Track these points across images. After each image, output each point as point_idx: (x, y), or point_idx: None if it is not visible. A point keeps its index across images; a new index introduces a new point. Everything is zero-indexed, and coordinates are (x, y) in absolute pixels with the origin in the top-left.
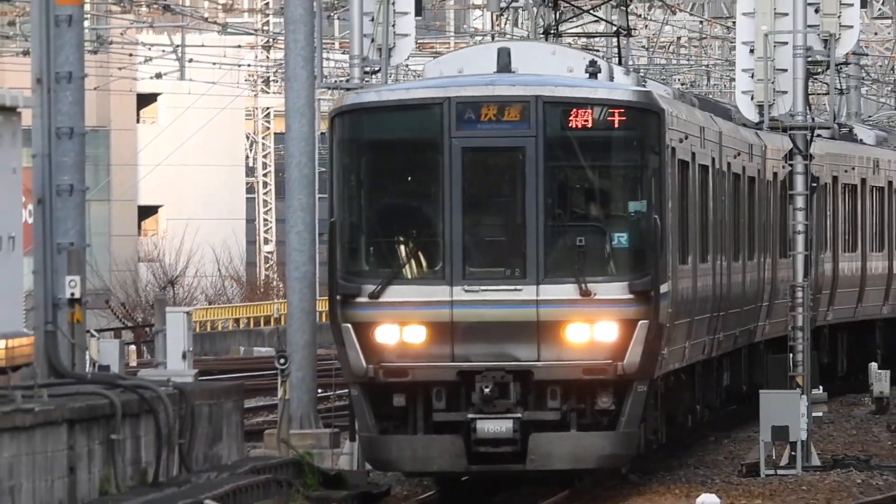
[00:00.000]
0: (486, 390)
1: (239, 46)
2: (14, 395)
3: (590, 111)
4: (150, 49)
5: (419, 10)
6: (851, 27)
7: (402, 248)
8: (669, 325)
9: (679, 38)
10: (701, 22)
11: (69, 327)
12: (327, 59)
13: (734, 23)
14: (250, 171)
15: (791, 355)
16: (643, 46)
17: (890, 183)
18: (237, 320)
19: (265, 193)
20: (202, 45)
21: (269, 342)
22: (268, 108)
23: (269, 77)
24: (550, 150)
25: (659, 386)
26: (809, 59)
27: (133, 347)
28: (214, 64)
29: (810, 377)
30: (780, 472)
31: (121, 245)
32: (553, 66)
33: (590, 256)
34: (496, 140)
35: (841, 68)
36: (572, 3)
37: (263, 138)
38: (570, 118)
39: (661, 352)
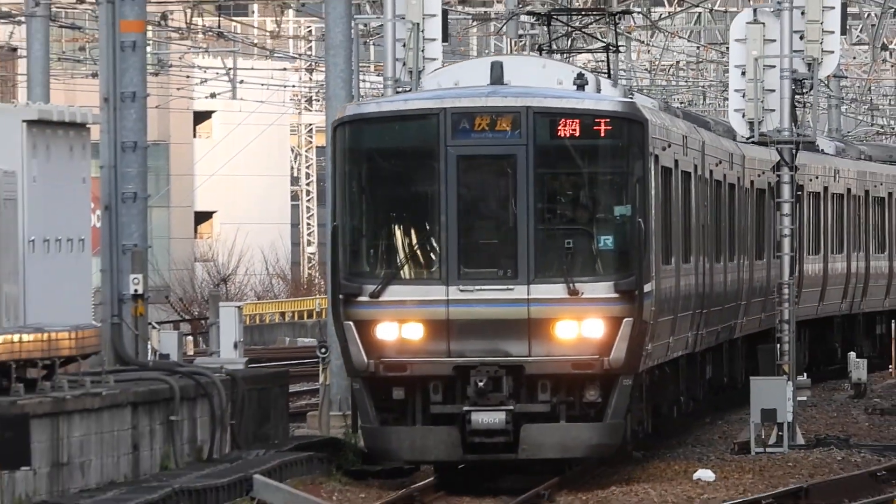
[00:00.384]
0: (481, 384)
1: (284, 69)
2: (84, 380)
3: (577, 121)
4: (205, 72)
5: (445, 37)
6: (832, 52)
7: (401, 250)
8: (653, 322)
9: (678, 62)
10: (698, 47)
11: (133, 320)
12: (363, 80)
13: (727, 48)
14: (294, 181)
15: (778, 346)
16: (646, 69)
17: (848, 190)
18: (283, 314)
19: (308, 200)
20: (252, 69)
21: (311, 333)
22: (310, 125)
23: (311, 96)
24: (540, 157)
25: (644, 379)
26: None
27: (190, 338)
28: (263, 85)
29: (795, 365)
30: (768, 450)
31: (179, 247)
32: (543, 78)
33: (577, 258)
34: (489, 148)
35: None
36: (564, 21)
37: (306, 151)
38: (559, 127)
39: (646, 347)
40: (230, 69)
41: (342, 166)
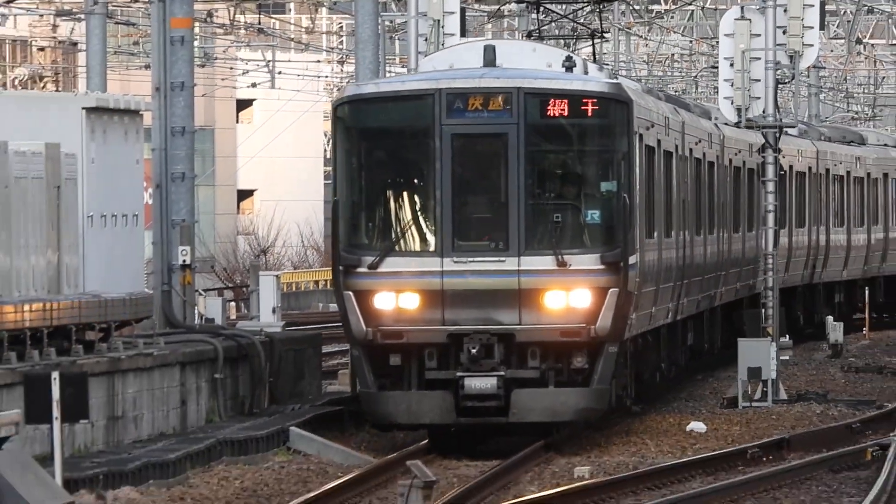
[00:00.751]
0: (473, 351)
1: (318, 61)
2: (137, 342)
3: (565, 101)
4: (246, 63)
5: (463, 32)
6: (812, 45)
7: (398, 223)
8: (637, 292)
9: (673, 55)
10: (691, 41)
11: (181, 288)
12: (389, 71)
13: (717, 42)
14: (327, 162)
15: (763, 310)
16: (644, 61)
17: (810, 168)
18: (317, 282)
19: None
20: (289, 61)
21: None
22: None
23: (342, 86)
24: (530, 136)
25: (628, 347)
26: (778, 71)
27: (233, 304)
28: (298, 75)
29: (778, 327)
30: (754, 404)
31: (223, 221)
32: (534, 61)
33: (566, 231)
34: (482, 127)
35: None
36: (552, 9)
37: None
38: (548, 107)
39: (630, 316)
40: (269, 61)
41: (343, 144)
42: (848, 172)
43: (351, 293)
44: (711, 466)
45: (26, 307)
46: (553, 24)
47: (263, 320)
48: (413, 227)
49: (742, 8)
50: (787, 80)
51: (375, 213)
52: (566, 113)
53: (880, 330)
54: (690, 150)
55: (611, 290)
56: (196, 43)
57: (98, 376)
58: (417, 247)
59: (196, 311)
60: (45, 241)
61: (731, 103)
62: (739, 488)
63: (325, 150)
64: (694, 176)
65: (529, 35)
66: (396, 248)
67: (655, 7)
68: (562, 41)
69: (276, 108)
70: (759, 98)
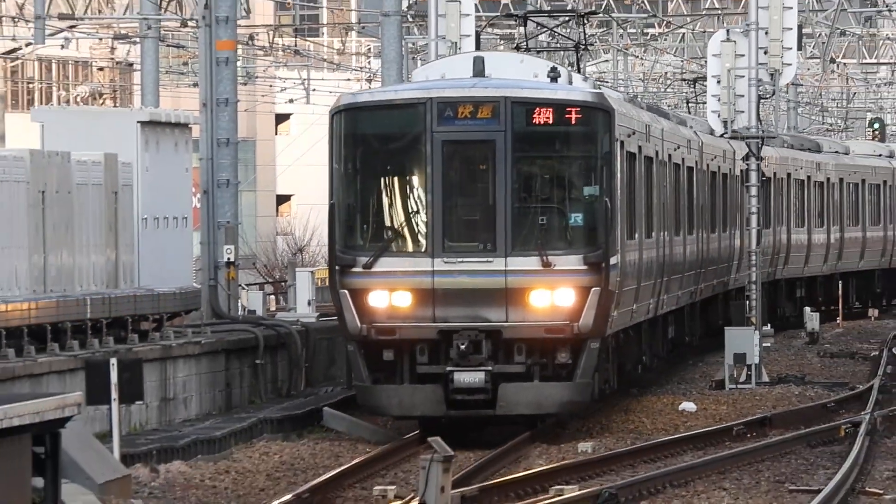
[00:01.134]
0: (462, 347)
1: (348, 80)
2: (186, 331)
3: (550, 109)
4: (284, 82)
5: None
6: (790, 65)
7: (391, 225)
8: (618, 291)
9: (666, 73)
10: (682, 61)
11: (226, 282)
12: None
13: (706, 61)
14: None
15: (748, 302)
16: (640, 79)
17: (774, 174)
18: None
19: None
20: (322, 79)
21: None
22: None
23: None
24: (517, 142)
25: (610, 342)
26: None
27: (272, 297)
28: (331, 92)
29: (761, 317)
30: (739, 386)
31: (263, 223)
32: (521, 72)
33: (550, 233)
34: (471, 134)
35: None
36: (539, 21)
37: None
38: (534, 115)
39: (612, 314)
40: (305, 79)
41: (338, 150)
42: (808, 177)
43: (346, 291)
44: (701, 442)
45: (87, 300)
46: (539, 37)
47: (300, 312)
48: (405, 229)
49: (728, 31)
50: (768, 96)
51: (370, 216)
52: (551, 121)
53: (851, 320)
54: (670, 155)
55: (593, 289)
56: (239, 63)
57: (151, 362)
58: (409, 248)
59: (239, 304)
60: (103, 241)
61: (718, 116)
62: (726, 461)
63: None
64: (673, 180)
65: (517, 48)
66: (389, 249)
67: (650, 31)
68: (544, 53)
69: (311, 121)
70: (742, 112)
